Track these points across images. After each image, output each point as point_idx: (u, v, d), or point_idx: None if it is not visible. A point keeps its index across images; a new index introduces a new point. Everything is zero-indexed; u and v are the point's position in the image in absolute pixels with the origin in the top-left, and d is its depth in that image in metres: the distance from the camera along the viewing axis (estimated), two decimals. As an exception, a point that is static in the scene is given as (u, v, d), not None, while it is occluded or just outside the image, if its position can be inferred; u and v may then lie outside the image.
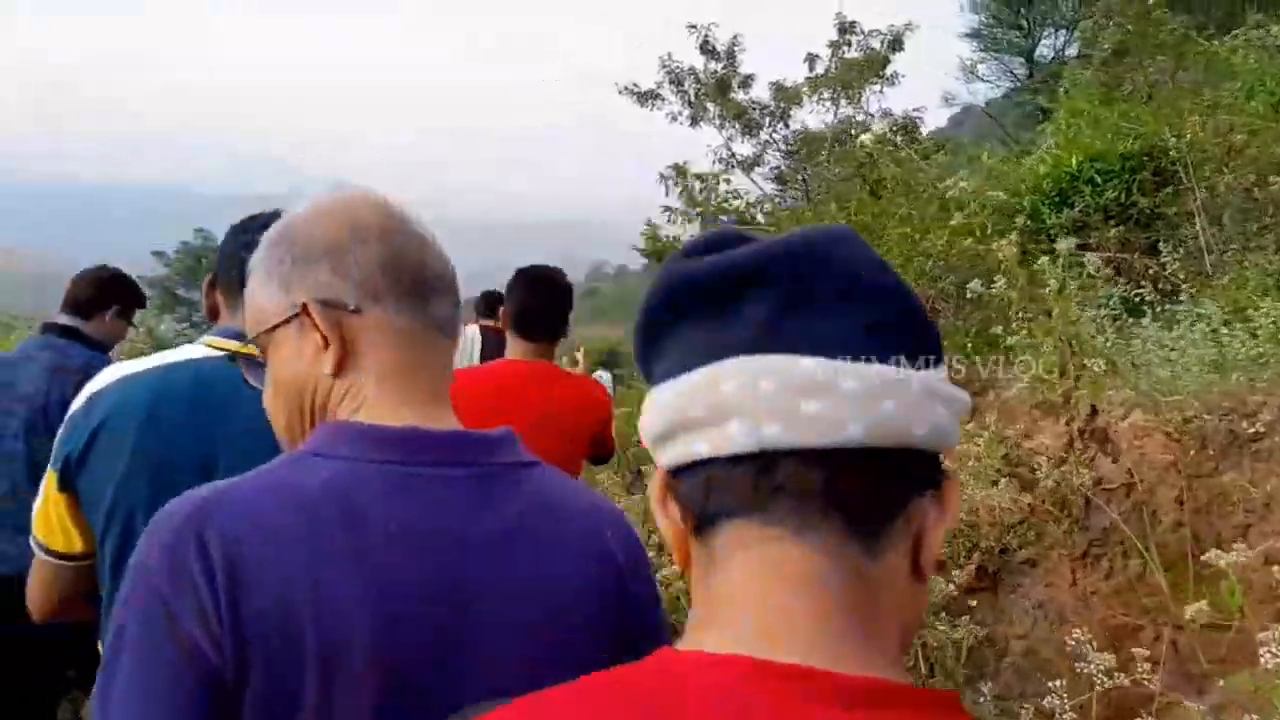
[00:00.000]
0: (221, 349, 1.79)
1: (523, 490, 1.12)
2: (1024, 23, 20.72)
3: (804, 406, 0.64)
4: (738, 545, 0.68)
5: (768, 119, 10.86)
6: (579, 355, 5.19)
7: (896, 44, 10.70)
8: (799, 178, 9.95)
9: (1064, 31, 20.40)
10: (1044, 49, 20.92)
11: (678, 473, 0.71)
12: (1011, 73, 21.10)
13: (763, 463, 0.66)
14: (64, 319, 3.65)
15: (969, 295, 4.85)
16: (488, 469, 1.11)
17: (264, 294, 1.17)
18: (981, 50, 21.12)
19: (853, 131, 9.62)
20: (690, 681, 0.63)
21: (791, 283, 0.67)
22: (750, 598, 0.67)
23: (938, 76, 20.48)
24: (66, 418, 1.75)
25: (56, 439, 1.76)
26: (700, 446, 0.68)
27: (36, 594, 1.84)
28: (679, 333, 0.71)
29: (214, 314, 1.97)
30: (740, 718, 0.60)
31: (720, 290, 0.69)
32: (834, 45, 10.52)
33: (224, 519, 0.97)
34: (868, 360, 0.66)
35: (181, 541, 0.95)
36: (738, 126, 10.84)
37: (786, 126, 11.31)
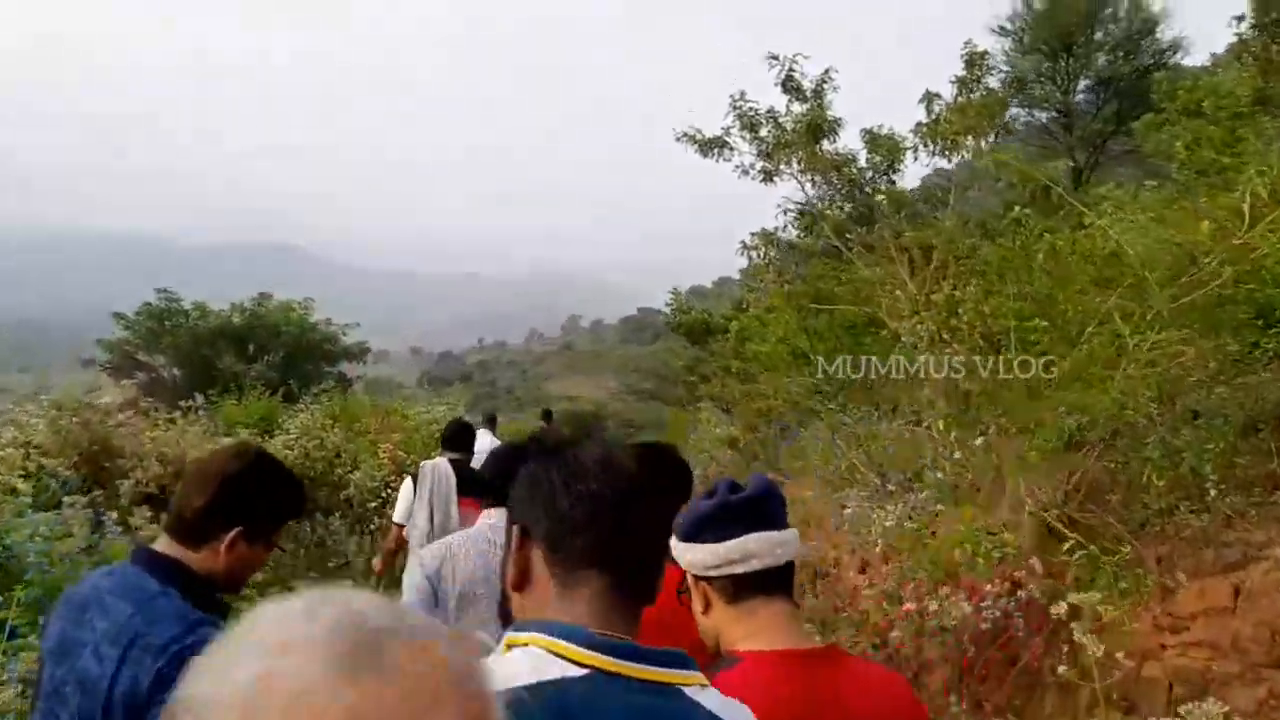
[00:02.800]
0: (590, 663, 1.33)
1: None
2: (1059, 76, 19.63)
3: (777, 550, 1.88)
4: (760, 605, 1.87)
5: (869, 174, 8.97)
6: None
7: (1020, 85, 8.89)
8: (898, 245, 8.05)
9: (1103, 86, 19.42)
10: (1081, 101, 19.90)
11: (714, 579, 1.90)
12: (1045, 128, 19.99)
13: (765, 573, 1.87)
14: (161, 542, 2.35)
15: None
16: None
17: None
18: (1015, 105, 20.09)
19: (964, 188, 7.92)
20: (766, 665, 1.77)
21: (767, 504, 1.94)
22: (774, 625, 1.85)
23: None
24: None
25: None
26: (737, 569, 1.87)
27: None
28: (720, 525, 1.89)
29: (523, 580, 1.48)
30: (789, 679, 1.75)
31: (745, 508, 1.90)
32: (962, 83, 8.59)
33: None
34: (786, 529, 1.95)
35: None
36: (836, 183, 8.78)
37: (892, 183, 9.15)
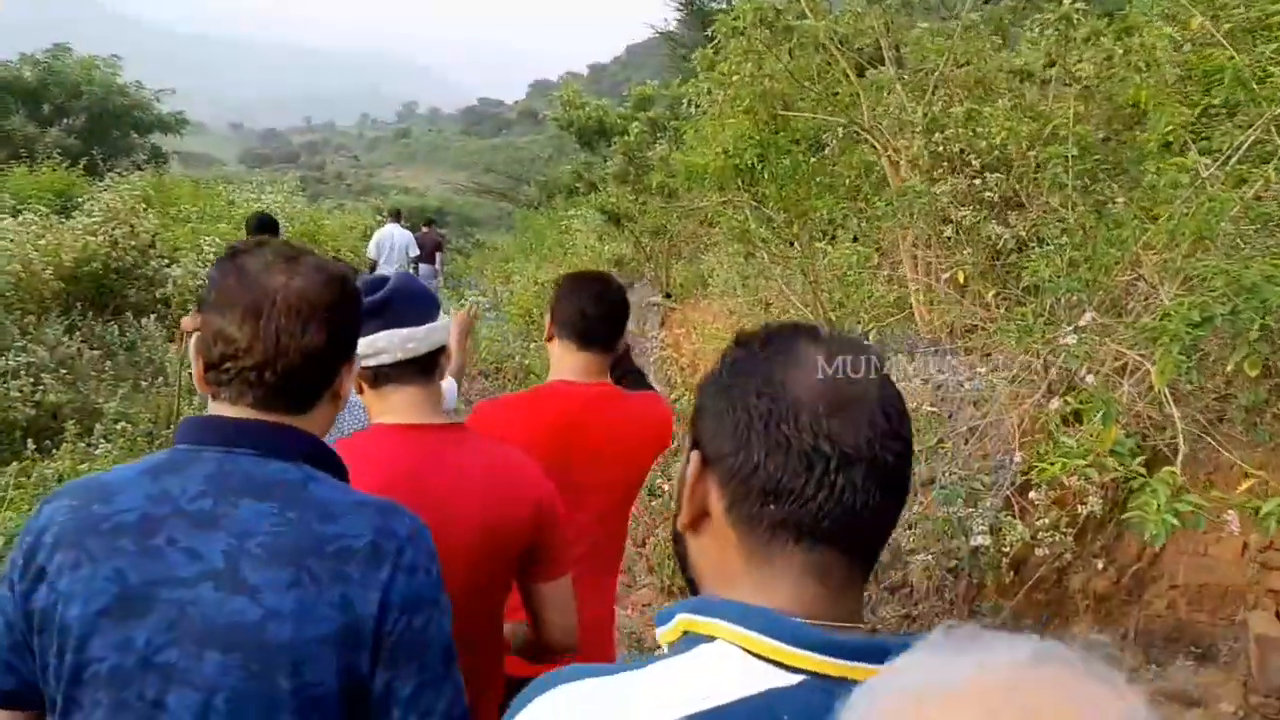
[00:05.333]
0: (806, 667, 0.96)
1: None
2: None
3: (408, 345, 2.07)
4: (393, 390, 2.09)
5: None
6: None
7: None
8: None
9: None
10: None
11: (365, 368, 2.04)
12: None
13: (396, 364, 2.07)
14: (260, 410, 1.54)
15: None
16: None
17: None
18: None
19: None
20: (388, 433, 2.10)
21: (398, 304, 2.08)
22: (403, 405, 2.08)
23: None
24: None
25: None
26: (370, 362, 2.04)
27: None
28: (367, 321, 1.81)
29: (699, 522, 1.12)
30: (406, 444, 2.06)
31: (377, 308, 2.02)
32: None
33: None
34: (421, 325, 2.09)
35: None
36: None
37: None
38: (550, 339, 2.82)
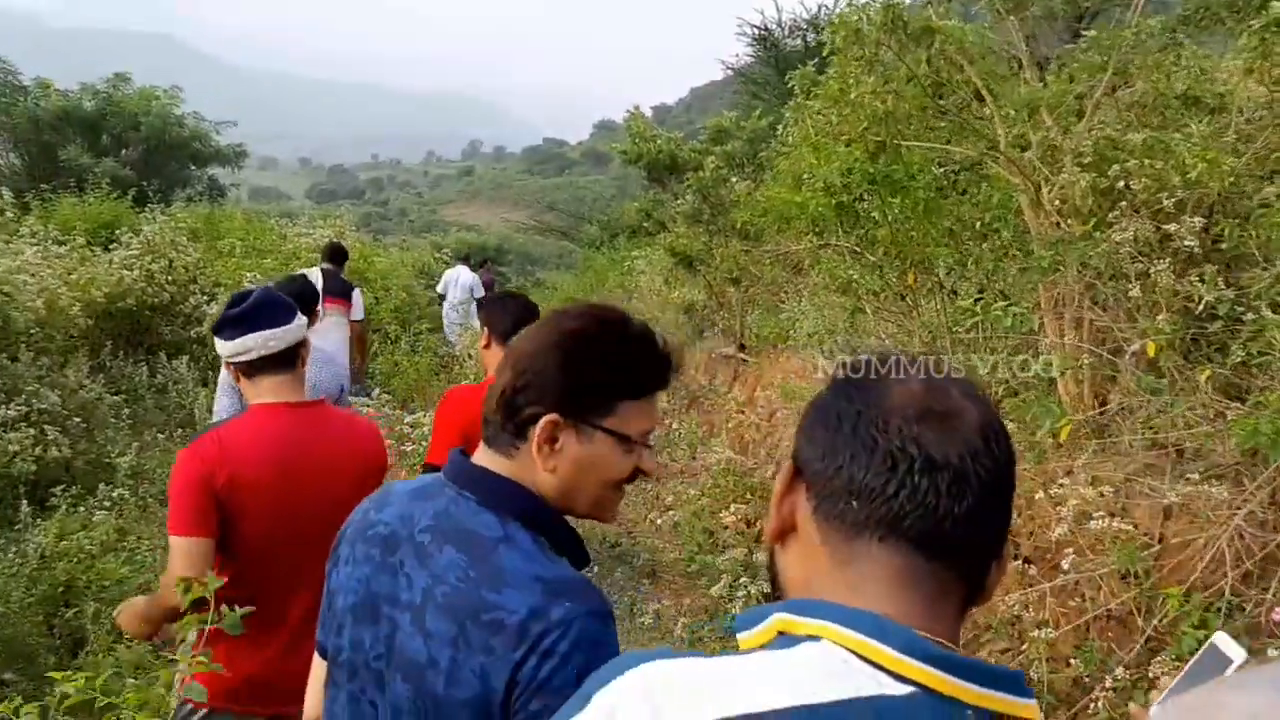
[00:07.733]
0: (917, 679, 0.90)
1: None
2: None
3: (270, 343, 2.68)
4: (263, 379, 2.69)
5: None
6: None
7: None
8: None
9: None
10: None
11: (234, 363, 2.73)
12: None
13: (261, 359, 2.68)
14: (481, 454, 1.62)
15: None
16: None
17: None
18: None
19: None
20: (262, 412, 2.74)
21: (260, 312, 2.69)
22: (272, 389, 2.71)
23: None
24: None
25: None
26: (241, 358, 2.67)
27: None
28: (229, 327, 2.70)
29: (784, 533, 1.09)
30: (278, 419, 2.74)
31: (243, 316, 2.68)
32: None
33: None
34: (280, 327, 2.72)
35: None
36: None
37: None
38: (488, 345, 3.57)
